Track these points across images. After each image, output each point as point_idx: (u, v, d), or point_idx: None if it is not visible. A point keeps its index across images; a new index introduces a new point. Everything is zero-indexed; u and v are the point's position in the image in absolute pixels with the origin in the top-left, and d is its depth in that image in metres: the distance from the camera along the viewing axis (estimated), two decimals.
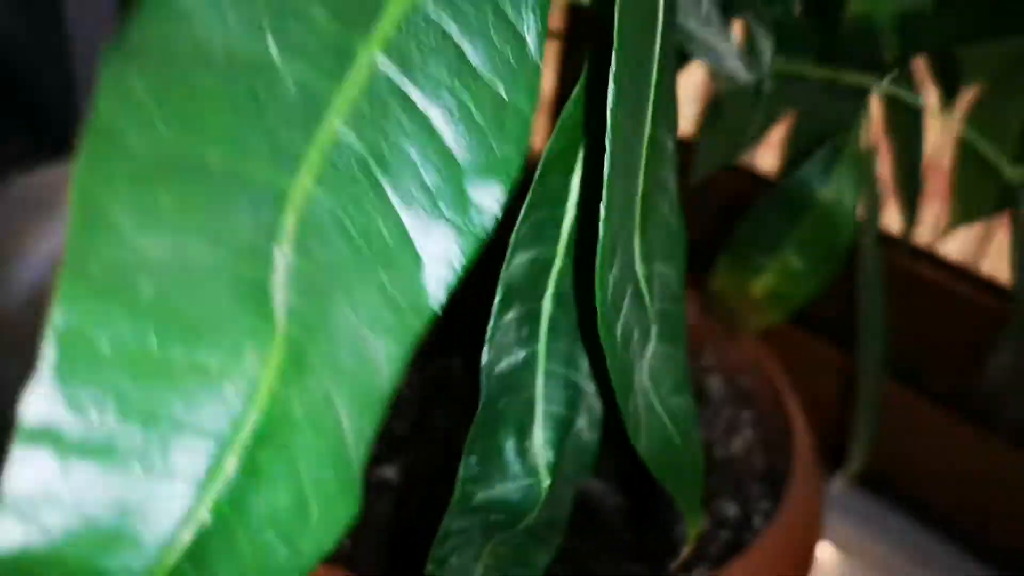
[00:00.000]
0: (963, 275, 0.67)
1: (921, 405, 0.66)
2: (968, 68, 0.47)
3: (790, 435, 0.51)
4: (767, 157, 0.74)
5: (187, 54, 0.15)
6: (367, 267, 0.18)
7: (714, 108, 0.49)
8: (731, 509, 0.49)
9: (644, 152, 0.24)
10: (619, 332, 0.24)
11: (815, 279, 0.48)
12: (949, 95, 0.47)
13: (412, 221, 0.19)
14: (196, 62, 0.15)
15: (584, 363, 0.30)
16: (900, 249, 0.59)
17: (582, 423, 0.30)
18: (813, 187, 0.47)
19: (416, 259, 0.19)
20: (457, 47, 0.19)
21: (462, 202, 0.19)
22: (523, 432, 0.28)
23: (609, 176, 0.21)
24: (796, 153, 0.48)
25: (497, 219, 0.19)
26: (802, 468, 0.48)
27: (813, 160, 0.47)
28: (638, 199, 0.25)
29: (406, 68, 0.18)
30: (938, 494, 0.67)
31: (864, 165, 0.47)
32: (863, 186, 0.47)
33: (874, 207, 0.49)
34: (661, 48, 0.23)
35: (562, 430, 0.29)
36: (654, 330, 0.28)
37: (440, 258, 0.19)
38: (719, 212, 0.57)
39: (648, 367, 0.28)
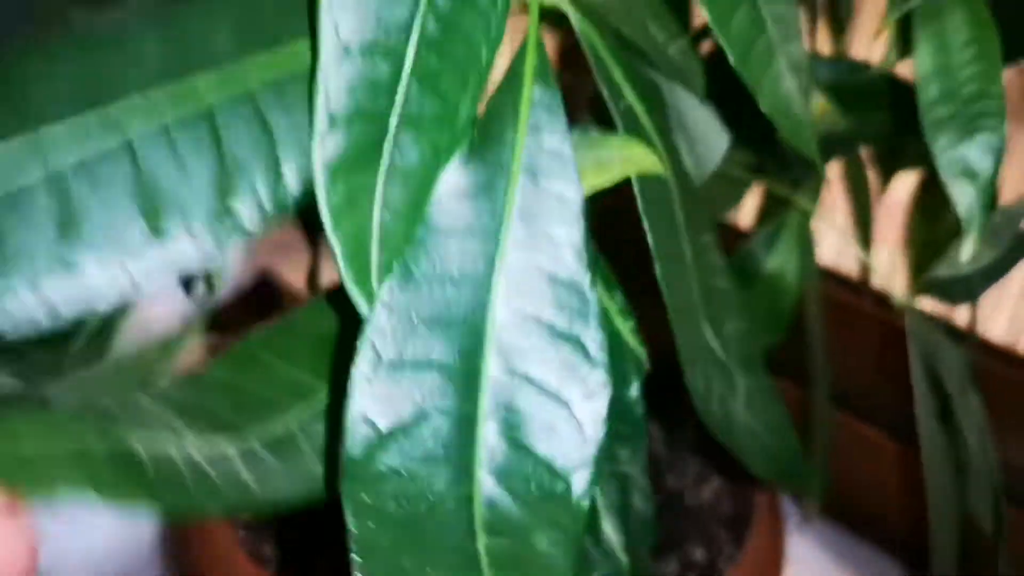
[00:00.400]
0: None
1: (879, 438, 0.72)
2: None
3: (753, 482, 0.56)
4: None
5: None
6: None
7: None
8: (698, 553, 0.54)
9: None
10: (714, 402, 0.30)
11: (767, 336, 0.54)
12: (885, 179, 0.54)
13: None
14: None
15: (622, 452, 0.34)
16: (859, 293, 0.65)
17: (636, 499, 0.35)
18: (759, 259, 0.53)
19: None
20: None
21: None
22: (594, 527, 0.33)
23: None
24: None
25: None
26: (763, 513, 0.54)
27: (759, 235, 0.53)
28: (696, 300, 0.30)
29: None
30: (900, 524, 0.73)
31: (804, 240, 0.53)
32: (803, 257, 0.53)
33: (813, 273, 0.55)
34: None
35: (623, 513, 0.34)
36: (739, 378, 0.33)
37: None
38: None
39: (743, 402, 0.33)
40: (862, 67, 0.46)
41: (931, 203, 0.56)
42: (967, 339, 0.56)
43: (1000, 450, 0.48)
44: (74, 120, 0.21)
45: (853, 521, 0.74)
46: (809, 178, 0.51)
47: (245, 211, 0.22)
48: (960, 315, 0.66)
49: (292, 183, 0.22)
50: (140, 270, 0.21)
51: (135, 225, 0.21)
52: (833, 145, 0.42)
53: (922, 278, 0.44)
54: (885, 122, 0.44)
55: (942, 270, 0.39)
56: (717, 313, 0.32)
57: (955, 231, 0.47)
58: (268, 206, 0.22)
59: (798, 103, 0.27)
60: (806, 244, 0.54)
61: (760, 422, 0.35)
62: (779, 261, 0.53)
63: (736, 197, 0.54)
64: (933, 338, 0.44)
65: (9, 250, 0.20)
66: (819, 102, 0.40)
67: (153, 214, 0.21)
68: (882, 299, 0.74)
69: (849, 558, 0.73)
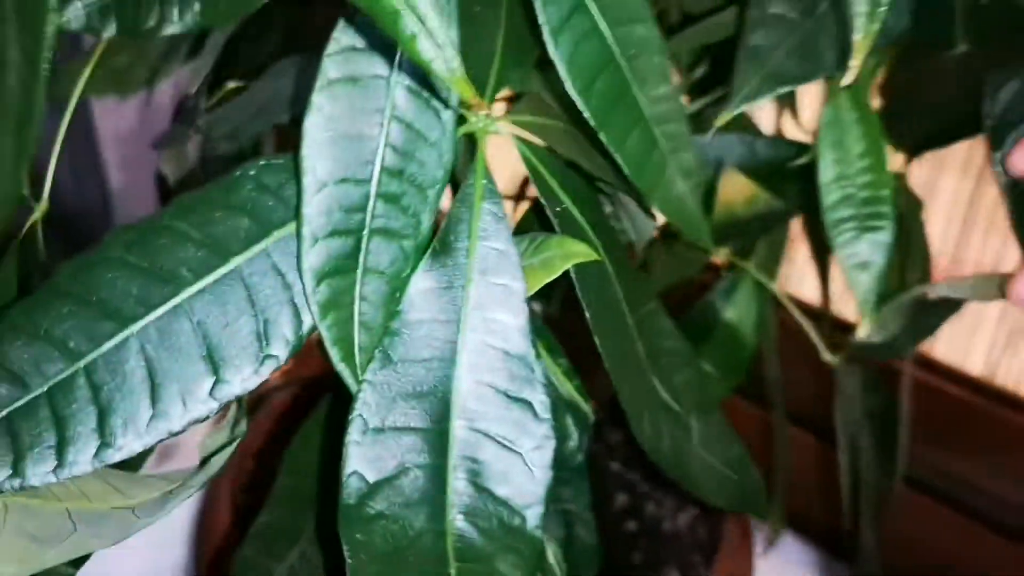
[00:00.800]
0: None
1: None
2: None
3: (723, 511, 0.62)
4: None
5: None
6: None
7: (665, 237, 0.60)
8: (675, 575, 0.60)
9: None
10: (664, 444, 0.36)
11: (727, 382, 0.60)
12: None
13: None
14: None
15: (566, 491, 0.40)
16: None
17: (580, 530, 0.41)
18: (718, 310, 0.59)
19: None
20: None
21: None
22: (541, 561, 0.39)
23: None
24: None
25: None
26: (731, 538, 0.60)
27: (717, 289, 0.59)
28: (643, 360, 0.36)
29: None
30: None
31: (760, 292, 0.59)
32: (760, 307, 0.59)
33: (770, 321, 0.61)
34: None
35: (566, 544, 0.40)
36: (693, 421, 0.39)
37: None
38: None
39: (699, 441, 0.39)
40: (801, 147, 0.52)
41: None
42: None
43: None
44: (145, 301, 0.28)
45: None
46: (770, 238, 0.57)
47: (278, 351, 0.29)
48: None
49: (308, 321, 0.29)
50: (207, 410, 0.28)
51: (205, 382, 0.28)
52: (767, 221, 0.48)
53: (850, 344, 0.50)
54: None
55: (860, 338, 0.45)
56: (666, 369, 0.38)
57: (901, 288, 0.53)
58: (293, 342, 0.29)
59: (690, 201, 0.33)
60: (763, 295, 0.60)
61: (718, 459, 0.41)
62: (737, 312, 0.59)
63: (700, 261, 0.59)
64: (855, 382, 0.50)
65: (108, 399, 0.27)
66: (746, 186, 0.46)
67: (215, 368, 0.28)
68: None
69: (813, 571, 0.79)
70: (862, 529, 0.52)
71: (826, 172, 0.39)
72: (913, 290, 0.47)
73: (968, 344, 0.87)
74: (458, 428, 0.30)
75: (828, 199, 0.39)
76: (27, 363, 0.27)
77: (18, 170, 0.30)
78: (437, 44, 0.20)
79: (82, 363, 0.27)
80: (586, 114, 0.31)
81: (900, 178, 0.57)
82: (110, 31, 0.33)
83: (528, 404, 0.31)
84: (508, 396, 0.31)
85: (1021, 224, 0.44)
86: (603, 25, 0.30)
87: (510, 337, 0.31)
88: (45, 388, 0.27)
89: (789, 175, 0.51)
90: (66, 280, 0.28)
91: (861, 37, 0.29)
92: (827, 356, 0.51)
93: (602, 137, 0.31)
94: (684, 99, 0.51)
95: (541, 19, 0.30)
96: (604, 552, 0.62)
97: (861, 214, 0.39)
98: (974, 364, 0.88)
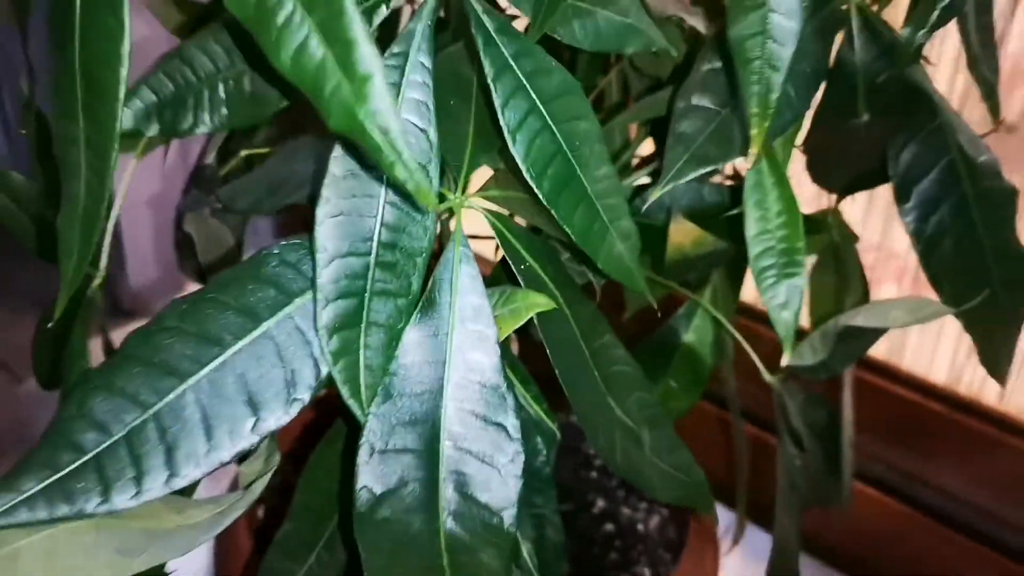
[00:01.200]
0: None
1: None
2: None
3: (689, 512, 0.70)
4: None
5: None
6: None
7: None
8: (646, 572, 0.67)
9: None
10: (618, 454, 0.43)
11: (688, 397, 0.67)
12: None
13: None
14: None
15: (537, 499, 0.48)
16: None
17: (549, 532, 0.49)
18: (679, 334, 0.67)
19: None
20: None
21: None
22: (516, 553, 0.46)
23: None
24: None
25: None
26: (696, 536, 0.67)
27: (677, 316, 0.67)
28: (599, 384, 0.43)
29: None
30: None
31: (714, 318, 0.66)
32: (717, 330, 0.67)
33: (727, 343, 0.68)
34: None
35: (538, 543, 0.47)
36: (645, 433, 0.46)
37: None
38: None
39: (650, 450, 0.46)
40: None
41: (820, 286, 0.69)
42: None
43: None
44: (197, 360, 0.36)
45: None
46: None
47: (303, 395, 0.37)
48: None
49: (325, 369, 0.37)
50: (250, 443, 0.36)
51: (247, 421, 0.36)
52: (713, 260, 0.56)
53: (783, 368, 0.57)
54: None
55: (792, 361, 0.53)
56: (620, 391, 0.46)
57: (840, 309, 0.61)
58: (315, 386, 0.37)
59: (627, 260, 0.41)
60: (719, 321, 0.67)
61: (667, 463, 0.48)
62: (695, 336, 0.66)
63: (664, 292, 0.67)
64: (792, 399, 0.58)
65: (173, 439, 0.35)
66: (691, 230, 0.54)
67: (255, 410, 0.35)
68: None
69: None
70: (779, 523, 0.59)
71: (751, 228, 0.46)
72: (839, 317, 0.55)
73: (932, 354, 0.95)
74: (446, 448, 0.38)
75: (753, 251, 0.46)
76: (109, 415, 0.35)
77: (85, 256, 0.38)
78: (409, 169, 0.28)
79: (151, 412, 0.35)
80: (540, 196, 0.38)
81: (836, 214, 0.65)
82: (153, 131, 0.41)
83: (502, 427, 0.38)
84: (486, 420, 0.38)
85: (929, 265, 0.52)
86: (552, 123, 0.38)
87: (486, 373, 0.38)
88: (124, 432, 0.35)
89: (733, 217, 0.59)
90: (134, 346, 0.35)
91: (755, 133, 0.37)
92: (767, 376, 0.58)
93: (554, 213, 0.38)
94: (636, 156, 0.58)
95: (502, 121, 0.38)
96: (581, 551, 0.70)
97: (780, 263, 0.46)
98: (938, 373, 0.96)
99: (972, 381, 0.92)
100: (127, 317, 1.16)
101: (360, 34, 0.27)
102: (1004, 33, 0.80)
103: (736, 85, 0.41)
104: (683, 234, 0.56)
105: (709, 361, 0.67)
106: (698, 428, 0.79)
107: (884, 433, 0.92)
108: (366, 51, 0.27)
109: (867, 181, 0.55)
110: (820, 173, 0.55)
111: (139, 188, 1.04)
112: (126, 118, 0.40)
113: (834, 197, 0.62)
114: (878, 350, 0.92)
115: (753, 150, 0.38)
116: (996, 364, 0.53)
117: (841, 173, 0.55)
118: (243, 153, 0.58)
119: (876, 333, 0.59)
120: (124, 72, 0.34)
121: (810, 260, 0.69)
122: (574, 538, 0.72)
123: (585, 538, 0.72)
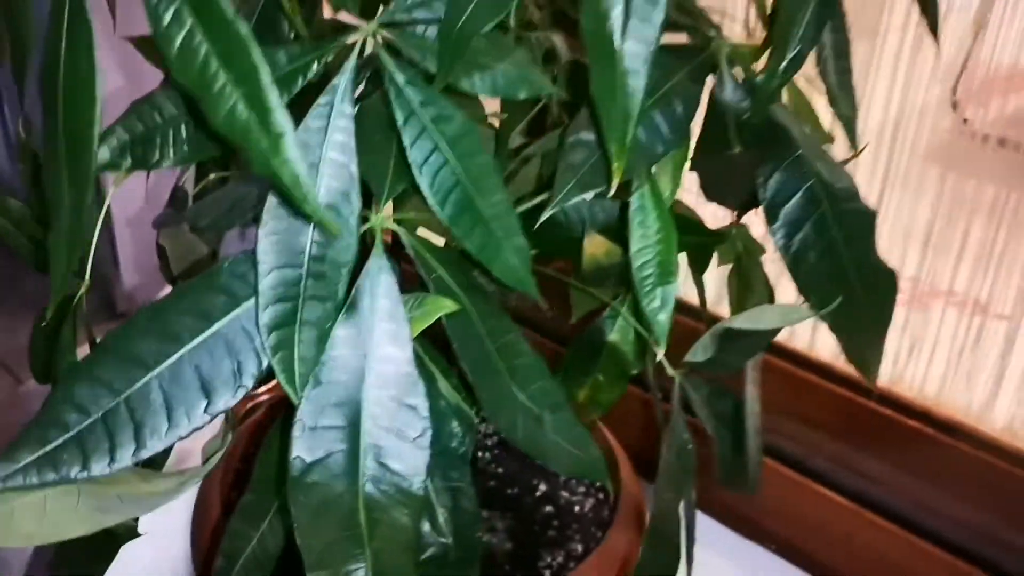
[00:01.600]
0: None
1: None
2: None
3: (619, 495, 0.78)
4: None
5: None
6: None
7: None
8: (579, 548, 0.76)
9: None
10: (519, 433, 0.52)
11: (615, 390, 0.75)
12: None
13: None
14: None
15: (454, 473, 0.56)
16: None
17: (464, 502, 0.57)
18: (605, 333, 0.75)
19: None
20: None
21: None
22: (434, 521, 0.54)
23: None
24: None
25: None
26: (623, 518, 0.76)
27: (604, 316, 0.75)
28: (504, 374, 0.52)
29: None
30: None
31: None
32: (638, 333, 0.75)
33: (645, 345, 0.77)
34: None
35: (453, 511, 0.55)
36: (546, 415, 0.54)
37: None
38: None
39: (551, 429, 0.54)
40: None
41: (733, 291, 0.78)
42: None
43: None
44: (161, 354, 0.44)
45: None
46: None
47: (248, 382, 0.45)
48: None
49: (266, 361, 0.45)
50: (203, 422, 0.44)
51: (201, 404, 0.44)
52: (623, 268, 0.64)
53: (684, 363, 0.65)
54: None
55: (688, 358, 0.61)
56: (523, 380, 0.54)
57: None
58: (257, 375, 0.45)
59: (521, 271, 0.48)
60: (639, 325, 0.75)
61: (567, 441, 0.56)
62: (618, 335, 0.75)
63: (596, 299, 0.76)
64: (697, 391, 0.66)
65: (140, 419, 0.44)
66: (603, 243, 0.62)
67: (207, 395, 0.44)
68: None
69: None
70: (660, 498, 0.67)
71: (634, 243, 0.55)
72: (725, 320, 0.63)
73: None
74: (366, 425, 0.46)
75: (635, 262, 0.55)
76: (88, 399, 0.43)
77: (68, 270, 0.46)
78: (313, 207, 0.36)
79: (123, 396, 0.44)
80: (442, 219, 0.47)
81: (741, 228, 0.74)
82: (127, 165, 0.49)
83: (413, 408, 0.47)
84: (400, 403, 0.47)
85: (798, 276, 0.60)
86: (452, 159, 0.46)
87: (400, 364, 0.47)
88: (100, 414, 0.43)
89: None
90: (111, 342, 0.44)
91: (616, 167, 0.45)
92: (670, 370, 0.66)
93: (454, 232, 0.47)
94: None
95: (410, 157, 0.46)
96: (523, 529, 0.78)
97: (657, 272, 0.54)
98: (882, 375, 1.05)
99: (914, 381, 1.01)
100: (121, 318, 1.25)
101: (275, 103, 0.36)
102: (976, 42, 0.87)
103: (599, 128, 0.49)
104: (596, 246, 0.64)
105: (631, 357, 0.75)
106: (636, 414, 0.88)
107: (824, 428, 1.00)
108: (279, 116, 0.36)
109: (750, 203, 0.64)
110: (713, 193, 0.64)
111: (131, 205, 1.13)
112: (103, 153, 0.48)
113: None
114: (822, 351, 1.02)
115: (615, 181, 0.46)
116: (864, 363, 0.61)
117: (728, 194, 0.63)
118: (212, 176, 0.66)
119: (769, 334, 0.67)
120: (97, 113, 0.42)
121: (725, 268, 0.78)
122: (517, 518, 0.80)
123: (527, 518, 0.80)
